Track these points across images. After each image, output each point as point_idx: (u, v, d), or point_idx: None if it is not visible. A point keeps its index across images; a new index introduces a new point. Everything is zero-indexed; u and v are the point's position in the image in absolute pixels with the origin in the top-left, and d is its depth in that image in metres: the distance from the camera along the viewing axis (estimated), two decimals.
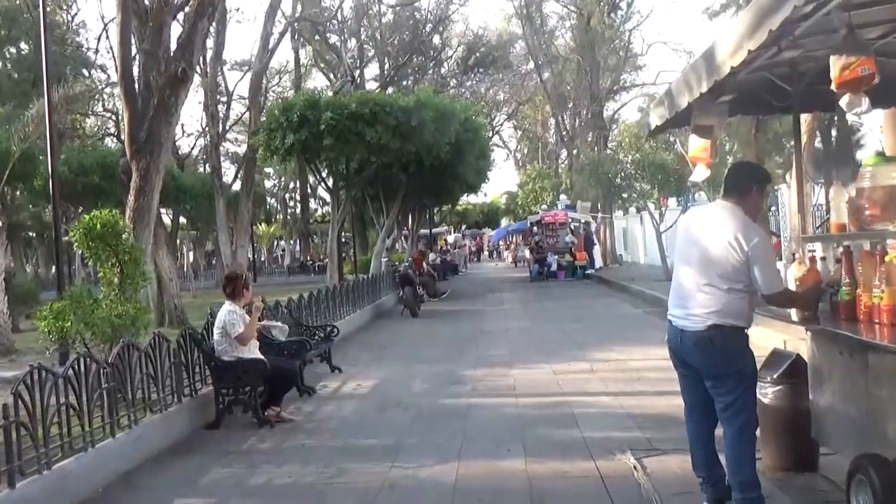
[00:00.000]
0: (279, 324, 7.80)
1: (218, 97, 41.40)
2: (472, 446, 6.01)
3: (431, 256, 28.91)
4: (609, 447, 5.75)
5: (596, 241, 32.43)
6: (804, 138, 13.39)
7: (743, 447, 3.99)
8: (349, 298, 14.91)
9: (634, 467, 5.23)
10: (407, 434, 6.54)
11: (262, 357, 7.05)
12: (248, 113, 23.97)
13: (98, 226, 6.90)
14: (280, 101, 24.50)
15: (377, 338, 13.79)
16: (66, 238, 11.34)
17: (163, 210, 40.78)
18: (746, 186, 4.07)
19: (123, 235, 7.20)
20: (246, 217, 21.80)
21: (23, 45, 27.96)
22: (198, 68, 29.29)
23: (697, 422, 4.30)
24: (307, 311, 11.36)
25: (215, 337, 7.04)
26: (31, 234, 32.26)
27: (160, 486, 5.43)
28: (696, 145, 5.06)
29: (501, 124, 55.13)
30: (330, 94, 21.76)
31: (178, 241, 37.52)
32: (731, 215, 3.96)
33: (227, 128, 43.61)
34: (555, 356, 10.27)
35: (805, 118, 13.23)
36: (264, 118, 18.37)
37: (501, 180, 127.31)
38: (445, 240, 45.74)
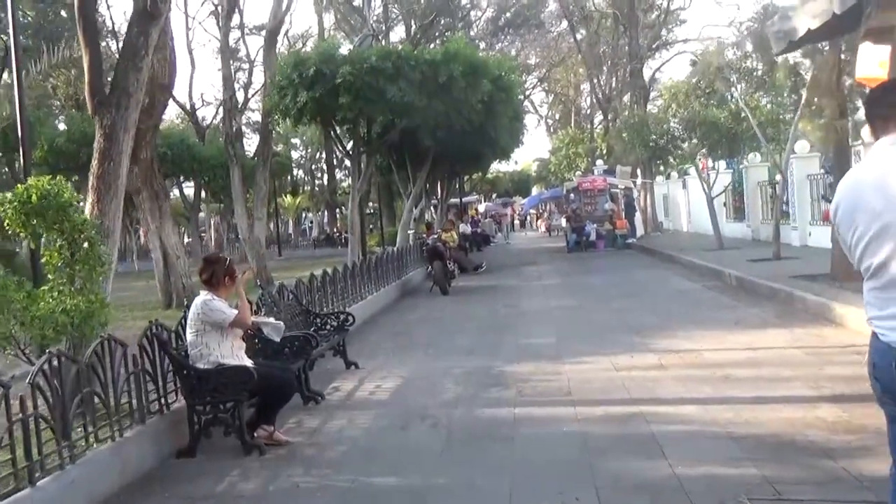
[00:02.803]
0: (272, 320, 6.11)
1: (238, 64, 39.85)
2: (525, 491, 4.38)
3: (462, 227, 27.06)
4: (716, 491, 4.11)
5: (637, 207, 30.63)
6: None
7: None
8: (371, 276, 13.33)
9: None
10: (436, 468, 4.91)
11: (247, 364, 5.45)
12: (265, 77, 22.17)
13: (34, 197, 5.32)
14: (291, 53, 22.70)
15: (403, 320, 12.22)
16: None
17: (186, 183, 39.70)
18: None
19: (72, 209, 5.59)
20: (263, 188, 20.22)
21: (28, 12, 26.79)
22: (216, 28, 27.74)
23: None
24: (320, 294, 9.78)
25: (188, 338, 5.46)
26: None
27: None
28: (869, 58, 3.32)
29: (533, 88, 52.97)
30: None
31: (199, 215, 36.24)
32: None
33: (250, 96, 42.23)
34: (611, 345, 8.60)
35: None
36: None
37: (532, 147, 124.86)
38: (476, 209, 44.02)
